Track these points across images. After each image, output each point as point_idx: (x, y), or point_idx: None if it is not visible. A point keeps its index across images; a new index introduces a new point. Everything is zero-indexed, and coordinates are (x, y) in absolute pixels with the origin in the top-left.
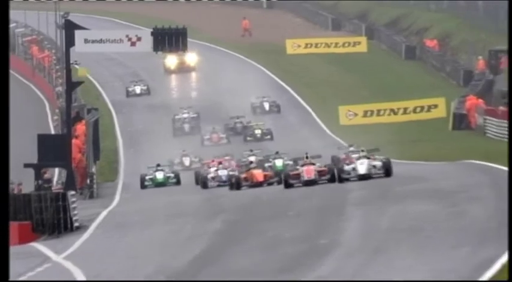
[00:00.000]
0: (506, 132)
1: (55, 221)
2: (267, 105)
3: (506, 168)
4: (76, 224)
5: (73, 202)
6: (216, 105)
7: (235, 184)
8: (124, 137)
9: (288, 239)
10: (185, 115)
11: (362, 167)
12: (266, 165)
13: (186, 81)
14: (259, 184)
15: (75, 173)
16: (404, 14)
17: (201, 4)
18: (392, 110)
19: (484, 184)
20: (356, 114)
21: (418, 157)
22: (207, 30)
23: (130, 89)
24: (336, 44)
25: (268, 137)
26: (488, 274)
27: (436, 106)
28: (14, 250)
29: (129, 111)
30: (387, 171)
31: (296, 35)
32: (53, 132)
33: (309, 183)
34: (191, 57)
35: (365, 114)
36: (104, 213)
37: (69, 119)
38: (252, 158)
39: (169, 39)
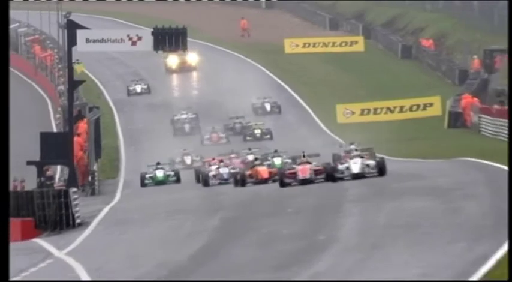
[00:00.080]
0: (501, 130)
1: (57, 218)
2: (268, 106)
3: (501, 166)
4: (78, 221)
5: (75, 199)
6: (216, 105)
7: (240, 181)
8: (125, 135)
9: (287, 235)
10: (184, 116)
11: (355, 166)
12: (265, 163)
13: (186, 81)
14: (264, 181)
15: (76, 170)
16: (401, 14)
17: (201, 4)
18: (388, 109)
19: (479, 181)
20: (353, 113)
21: (414, 155)
22: (207, 30)
23: (131, 88)
24: (334, 43)
25: (268, 136)
26: (484, 269)
27: (431, 105)
28: (17, 246)
29: (130, 109)
30: (381, 170)
31: (294, 35)
32: (55, 130)
33: (305, 182)
34: (192, 57)
35: (362, 113)
36: (105, 209)
37: (71, 117)
38: (251, 157)
39: (169, 38)
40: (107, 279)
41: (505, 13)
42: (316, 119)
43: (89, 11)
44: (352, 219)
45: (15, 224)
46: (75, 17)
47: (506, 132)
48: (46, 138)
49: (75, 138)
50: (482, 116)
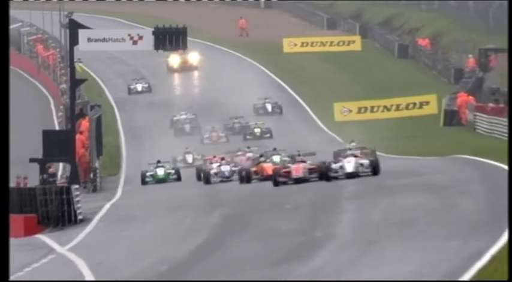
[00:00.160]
0: (496, 128)
1: (59, 214)
2: (269, 107)
3: (496, 163)
4: (80, 217)
5: (77, 195)
6: (216, 104)
7: (245, 177)
8: (126, 133)
9: (285, 231)
10: (183, 116)
11: (349, 165)
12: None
13: (187, 80)
14: (269, 177)
15: (78, 167)
16: (397, 14)
17: (201, 4)
18: (385, 107)
19: (474, 178)
20: (350, 111)
21: (411, 152)
22: (207, 30)
23: (132, 87)
24: (331, 42)
25: (268, 135)
26: (479, 265)
27: (427, 103)
28: (20, 242)
29: (131, 108)
30: (374, 169)
31: (293, 34)
32: (57, 128)
33: (299, 181)
34: (194, 57)
35: (359, 111)
36: (107, 206)
37: (73, 115)
38: (249, 154)
39: (169, 38)
40: (108, 274)
41: (500, 13)
42: (314, 117)
43: (91, 10)
44: (349, 216)
45: (18, 220)
46: (77, 17)
47: (501, 130)
48: (48, 135)
49: (77, 136)
50: (478, 114)
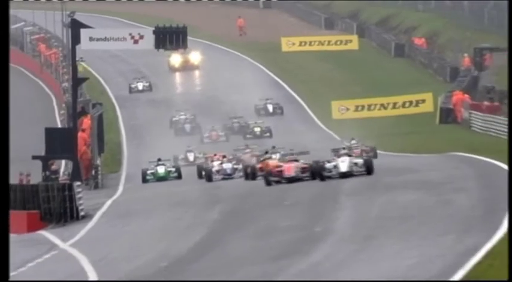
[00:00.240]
0: (491, 126)
1: (62, 210)
2: (270, 107)
3: (490, 160)
4: (82, 213)
5: (79, 192)
6: (217, 103)
7: (250, 174)
8: (127, 130)
9: (284, 227)
10: (183, 117)
11: (343, 164)
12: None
13: (189, 79)
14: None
15: (80, 164)
16: (394, 14)
17: (200, 4)
18: (382, 105)
19: (469, 175)
20: (348, 109)
21: (407, 149)
22: (207, 29)
23: (133, 86)
24: (329, 42)
25: (268, 134)
26: (474, 260)
27: (423, 101)
28: (23, 238)
29: (132, 105)
30: (368, 168)
31: (291, 34)
32: (59, 126)
33: (291, 180)
34: (195, 56)
35: (356, 109)
36: (108, 202)
37: (75, 113)
38: (243, 153)
39: (170, 37)
40: (109, 270)
41: (495, 13)
42: (312, 115)
43: (92, 10)
44: (346, 212)
45: (21, 216)
46: (79, 17)
47: (496, 127)
48: (51, 133)
49: (80, 134)
50: (473, 112)
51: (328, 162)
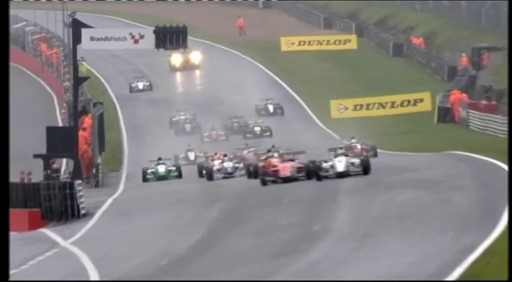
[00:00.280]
0: (488, 125)
1: (63, 209)
2: (271, 108)
3: (488, 159)
4: (83, 211)
5: (80, 191)
6: (217, 103)
7: (253, 173)
8: (128, 129)
9: (284, 225)
10: (183, 117)
11: (340, 164)
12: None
13: (189, 78)
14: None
15: (81, 163)
16: (392, 14)
17: (200, 4)
18: (380, 104)
19: (467, 174)
20: (346, 108)
21: (405, 148)
22: (206, 29)
23: (133, 85)
24: (328, 41)
25: (267, 133)
26: (471, 258)
27: (422, 100)
28: (24, 236)
29: (132, 104)
30: (365, 168)
31: (290, 33)
32: (60, 124)
33: (286, 180)
34: (195, 56)
35: (355, 108)
36: (109, 201)
37: (76, 112)
38: (246, 152)
39: (170, 37)
40: (110, 268)
41: (492, 12)
42: (311, 114)
43: (93, 10)
44: (345, 210)
45: (22, 214)
46: (80, 16)
47: (493, 126)
48: (52, 132)
49: (81, 132)
50: (470, 111)
51: (325, 162)
